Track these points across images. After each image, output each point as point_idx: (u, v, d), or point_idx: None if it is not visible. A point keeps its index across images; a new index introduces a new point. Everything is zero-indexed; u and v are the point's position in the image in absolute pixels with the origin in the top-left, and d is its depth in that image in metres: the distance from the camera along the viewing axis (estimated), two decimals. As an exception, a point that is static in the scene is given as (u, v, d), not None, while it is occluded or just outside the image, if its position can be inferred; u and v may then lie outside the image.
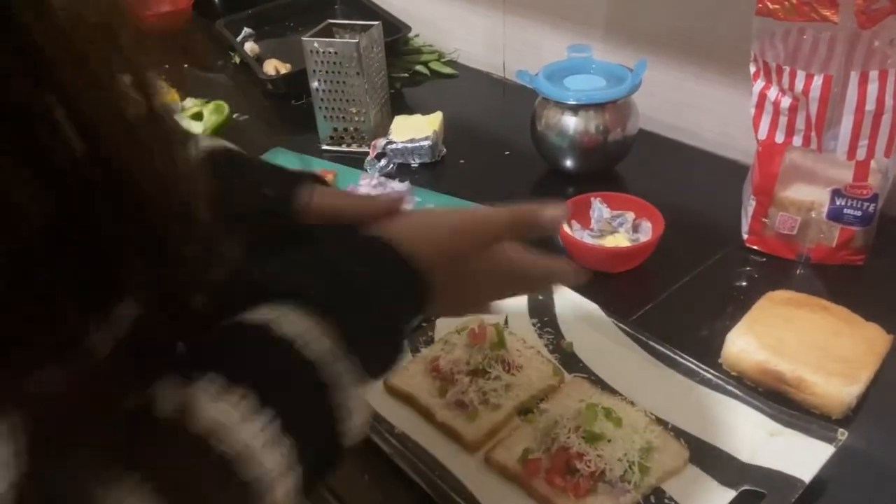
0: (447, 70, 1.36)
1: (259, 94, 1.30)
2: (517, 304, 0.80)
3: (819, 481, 0.58)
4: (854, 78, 0.73)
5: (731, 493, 0.59)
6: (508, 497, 0.60)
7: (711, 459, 0.62)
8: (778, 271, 0.84)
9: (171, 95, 1.22)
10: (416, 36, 1.43)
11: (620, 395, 0.68)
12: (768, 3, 0.73)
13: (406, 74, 1.35)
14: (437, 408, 0.67)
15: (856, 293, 0.78)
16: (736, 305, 0.77)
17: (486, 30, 1.35)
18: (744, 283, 0.83)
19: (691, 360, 0.70)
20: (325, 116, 1.11)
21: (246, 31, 1.44)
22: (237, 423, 0.36)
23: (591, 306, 0.76)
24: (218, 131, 1.12)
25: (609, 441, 0.60)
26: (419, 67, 1.36)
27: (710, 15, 1.02)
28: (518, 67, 1.06)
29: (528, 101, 1.03)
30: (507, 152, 1.11)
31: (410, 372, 0.71)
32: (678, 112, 1.12)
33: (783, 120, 0.79)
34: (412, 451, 0.63)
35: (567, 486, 0.58)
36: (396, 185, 1.00)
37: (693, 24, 1.05)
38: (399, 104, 1.25)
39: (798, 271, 0.84)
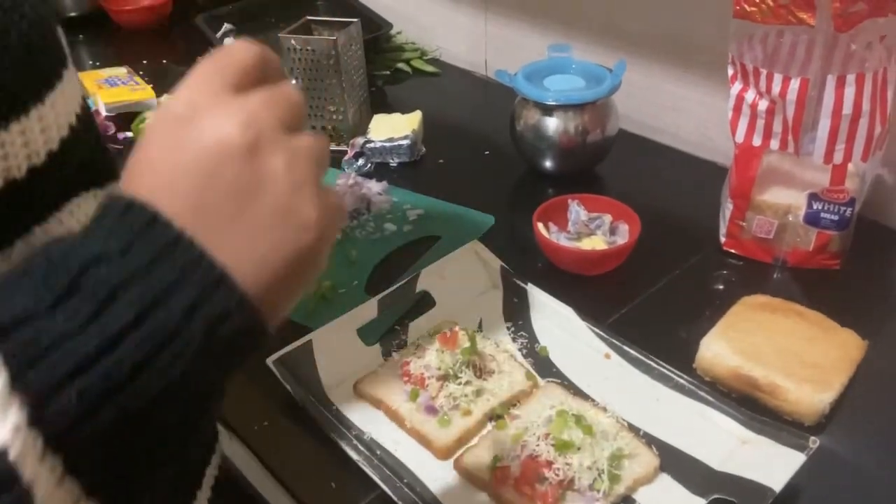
0: (429, 68, 1.35)
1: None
2: (492, 307, 0.79)
3: (791, 489, 0.58)
4: (831, 81, 0.73)
5: (702, 502, 0.58)
6: (477, 505, 0.60)
7: (682, 467, 0.61)
8: (755, 275, 0.83)
9: (147, 91, 1.21)
10: (399, 33, 1.42)
11: (593, 400, 0.67)
12: (745, 6, 0.73)
13: (388, 72, 1.34)
14: (407, 413, 0.66)
15: (832, 297, 0.78)
16: (712, 309, 0.77)
17: (468, 28, 1.34)
18: (720, 287, 0.83)
19: (664, 365, 0.69)
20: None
21: (226, 26, 1.42)
22: None
23: (567, 310, 0.76)
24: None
25: (579, 449, 0.59)
26: (401, 65, 1.35)
27: (691, 16, 1.02)
28: (500, 66, 1.05)
29: (510, 100, 1.02)
30: (486, 152, 1.10)
31: (381, 376, 0.70)
32: (658, 113, 1.11)
33: (760, 123, 0.78)
34: (380, 458, 0.62)
35: (535, 495, 0.57)
36: (374, 185, 0.99)
37: (674, 26, 1.04)
38: (380, 102, 1.24)
39: (775, 275, 0.84)
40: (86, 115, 0.41)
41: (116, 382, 0.27)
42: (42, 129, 0.35)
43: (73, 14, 1.54)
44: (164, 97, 1.19)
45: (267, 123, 0.32)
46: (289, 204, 0.32)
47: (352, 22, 1.08)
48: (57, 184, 0.38)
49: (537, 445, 0.59)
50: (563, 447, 0.59)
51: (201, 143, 0.31)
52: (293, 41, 1.03)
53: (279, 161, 0.32)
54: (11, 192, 0.35)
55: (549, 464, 0.58)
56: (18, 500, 0.26)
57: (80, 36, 1.53)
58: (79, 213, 0.39)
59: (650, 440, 0.63)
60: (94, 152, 0.42)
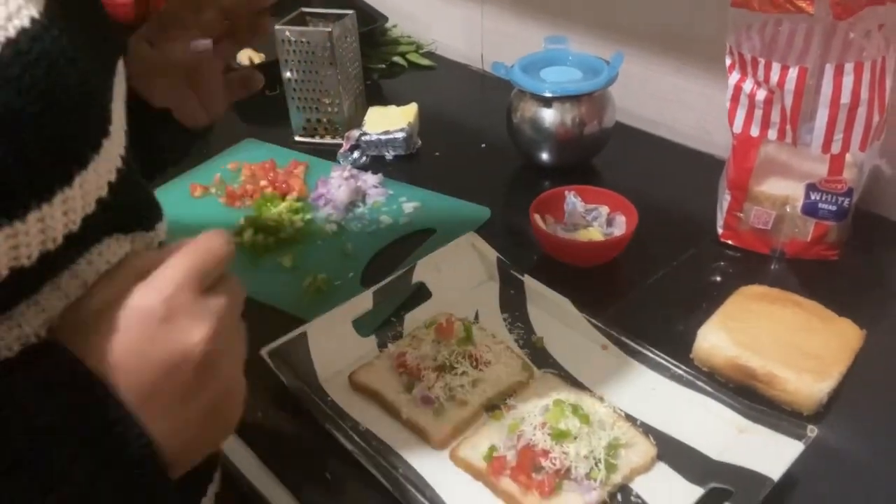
0: (425, 62, 1.35)
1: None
2: (488, 298, 0.79)
3: (789, 478, 0.57)
4: (829, 70, 0.72)
5: (699, 491, 0.58)
6: (474, 495, 0.59)
7: (680, 457, 0.61)
8: (752, 266, 0.83)
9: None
10: (394, 27, 1.41)
11: (590, 391, 0.67)
12: (743, -6, 0.72)
13: (383, 66, 1.33)
14: (402, 404, 0.65)
15: (830, 288, 0.78)
16: (710, 300, 0.76)
17: (464, 21, 1.34)
18: (718, 279, 0.82)
19: (662, 355, 0.69)
20: (297, 107, 1.09)
21: (221, 20, 1.42)
22: None
23: (563, 301, 0.75)
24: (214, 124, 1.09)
25: (575, 438, 0.58)
26: (396, 59, 1.34)
27: (689, 8, 1.01)
28: (496, 59, 1.04)
29: (506, 93, 1.02)
30: (483, 145, 1.10)
31: (376, 367, 0.69)
32: (655, 106, 1.11)
33: (758, 113, 0.78)
34: (376, 449, 0.62)
35: (532, 484, 0.57)
36: (369, 177, 0.99)
37: (671, 18, 1.04)
38: (376, 96, 1.23)
39: (772, 266, 0.83)
40: (125, 175, 0.41)
41: None
42: (65, 213, 0.36)
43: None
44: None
45: (221, 335, 0.39)
46: (218, 410, 0.40)
47: (347, 13, 1.08)
48: (89, 235, 0.39)
49: (534, 435, 0.59)
50: (560, 436, 0.58)
51: (167, 347, 0.37)
52: (288, 32, 1.03)
53: (222, 374, 0.39)
54: (42, 256, 0.36)
55: (546, 453, 0.57)
56: None
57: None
58: (108, 253, 0.40)
59: (647, 430, 0.63)
60: (131, 199, 0.42)
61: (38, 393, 0.35)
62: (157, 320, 0.37)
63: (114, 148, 0.39)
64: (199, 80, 0.63)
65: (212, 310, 0.39)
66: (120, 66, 0.44)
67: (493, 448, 0.60)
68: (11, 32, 0.32)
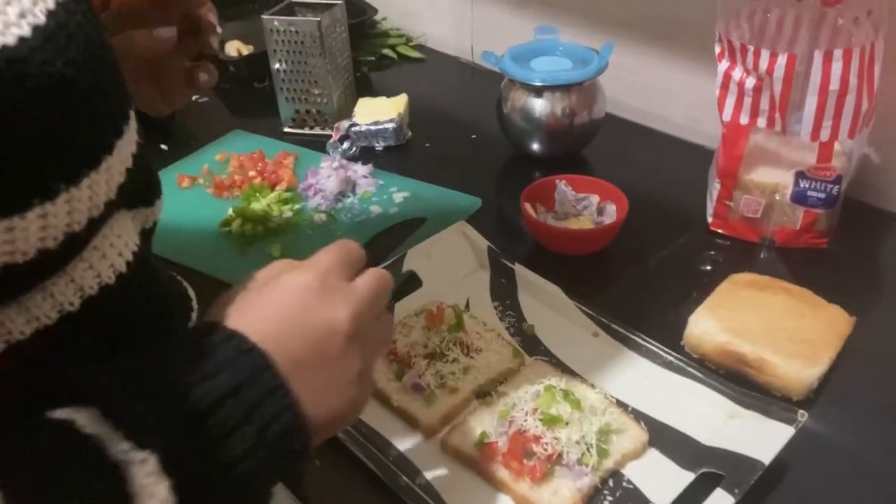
0: (415, 54, 1.34)
1: (221, 77, 1.26)
2: (479, 287, 0.78)
3: (780, 463, 0.57)
4: (818, 57, 0.72)
5: (690, 476, 0.57)
6: (465, 482, 0.59)
7: (671, 442, 0.61)
8: (742, 254, 0.83)
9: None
10: (384, 19, 1.40)
11: (581, 377, 0.66)
12: (733, -20, 0.72)
13: (373, 58, 1.32)
14: (393, 392, 0.65)
15: (819, 275, 0.78)
16: (700, 289, 0.76)
17: (454, 13, 1.33)
18: (708, 267, 0.82)
19: (652, 342, 0.69)
20: (286, 98, 1.08)
21: (209, 12, 1.41)
22: None
23: (554, 289, 0.75)
24: (176, 113, 1.08)
25: (567, 424, 0.58)
26: (386, 51, 1.34)
27: (678, -3, 1.01)
28: (486, 51, 1.04)
29: (496, 85, 1.02)
30: (473, 136, 1.09)
31: (367, 355, 0.69)
32: (646, 96, 1.11)
33: (748, 101, 0.78)
34: (366, 436, 0.61)
35: (524, 470, 0.57)
36: (359, 168, 0.98)
37: (660, 8, 1.04)
38: (365, 88, 1.22)
39: (762, 254, 0.83)
40: (135, 159, 0.41)
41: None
42: (90, 197, 0.36)
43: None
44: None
45: (366, 317, 0.43)
46: (351, 390, 0.42)
47: (336, 3, 1.07)
48: (105, 219, 0.39)
49: (525, 420, 0.58)
50: (551, 422, 0.58)
51: (321, 315, 0.41)
52: (276, 22, 1.02)
53: (360, 355, 0.42)
54: (66, 243, 0.36)
55: (537, 438, 0.57)
56: None
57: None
58: (111, 235, 0.40)
59: (638, 416, 0.63)
60: (134, 183, 0.42)
61: (202, 365, 0.37)
62: (314, 291, 0.41)
63: (129, 146, 0.39)
64: (158, 70, 0.64)
65: (357, 292, 0.43)
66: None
67: (484, 434, 0.60)
68: (50, 4, 0.33)
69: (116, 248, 0.40)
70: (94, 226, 0.38)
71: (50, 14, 0.33)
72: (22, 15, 0.32)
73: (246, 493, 0.37)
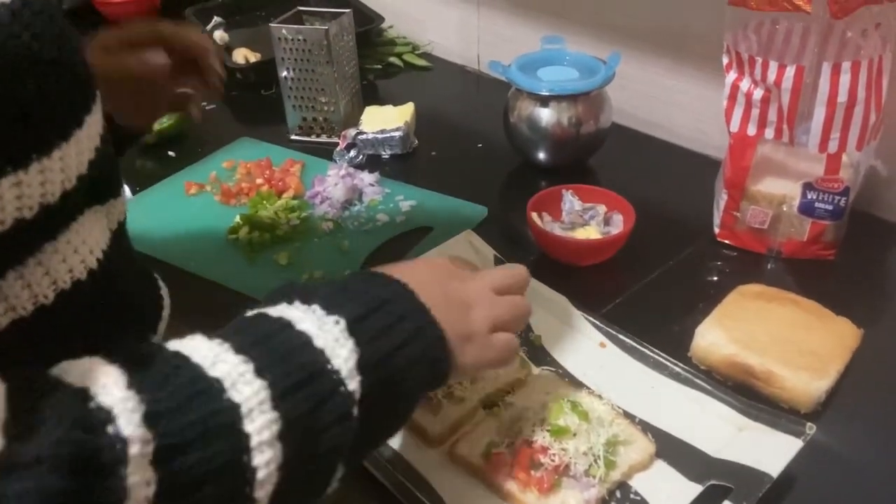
0: (421, 62, 1.34)
1: (228, 84, 1.27)
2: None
3: (787, 476, 0.57)
4: (826, 69, 0.72)
5: (698, 488, 0.57)
6: (472, 492, 0.59)
7: (678, 454, 0.61)
8: (749, 265, 0.83)
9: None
10: (391, 27, 1.41)
11: (588, 388, 0.66)
12: (741, -8, 0.72)
13: (379, 66, 1.33)
14: (400, 401, 0.65)
15: (826, 287, 0.78)
16: (707, 300, 0.76)
17: (460, 22, 1.34)
18: (715, 278, 0.82)
19: (660, 353, 0.68)
20: (293, 106, 1.09)
21: (216, 19, 1.41)
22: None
23: (561, 299, 0.75)
24: (183, 120, 1.09)
25: (574, 435, 0.58)
26: (393, 59, 1.34)
27: (685, 8, 1.01)
28: (492, 60, 1.04)
29: (503, 94, 1.02)
30: (479, 145, 1.10)
31: (373, 364, 0.69)
32: (652, 106, 1.11)
33: (755, 112, 0.78)
34: (373, 445, 0.61)
35: (531, 481, 0.56)
36: (366, 176, 0.98)
37: (668, 18, 1.04)
38: (372, 96, 1.23)
39: (769, 265, 0.83)
40: (104, 145, 0.44)
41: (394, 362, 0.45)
42: (62, 169, 0.39)
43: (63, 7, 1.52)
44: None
45: (503, 319, 0.54)
46: (482, 336, 0.52)
47: (344, 12, 1.07)
48: (68, 212, 0.41)
49: (532, 431, 0.58)
50: (559, 433, 0.58)
51: (460, 278, 0.54)
52: (284, 31, 1.02)
53: (491, 312, 0.53)
54: (28, 223, 0.38)
55: (545, 449, 0.57)
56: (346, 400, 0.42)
57: (68, 29, 1.52)
58: (84, 231, 0.43)
59: (646, 427, 0.63)
60: (104, 175, 0.45)
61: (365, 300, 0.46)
62: (454, 268, 0.55)
63: (96, 125, 0.42)
64: (142, 90, 0.67)
65: (492, 271, 0.57)
66: None
67: (491, 445, 0.60)
68: None
69: (88, 244, 0.43)
70: (69, 209, 0.40)
71: None
72: None
73: (404, 380, 0.45)
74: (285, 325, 0.42)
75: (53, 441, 0.31)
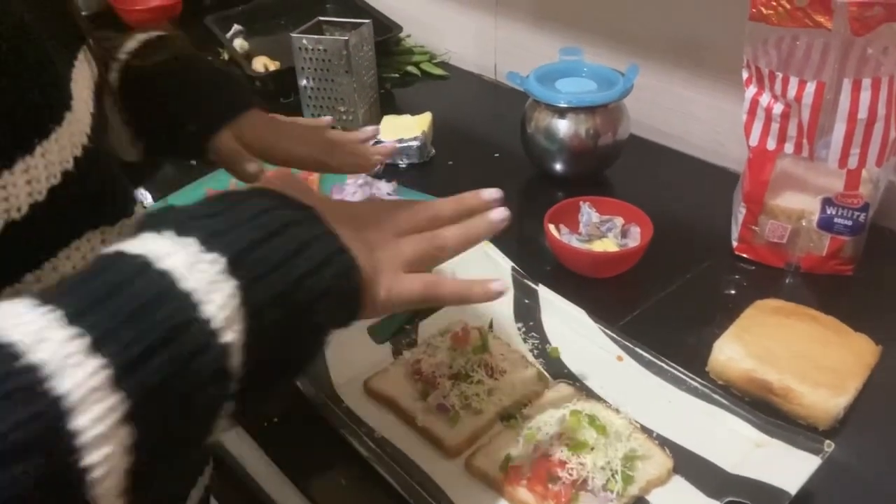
0: (438, 71, 1.35)
1: (247, 92, 1.29)
2: (502, 307, 0.79)
3: (805, 493, 0.57)
4: (847, 85, 0.72)
5: (716, 504, 0.57)
6: (488, 504, 0.59)
7: (696, 469, 0.61)
8: (767, 280, 0.83)
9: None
10: (408, 37, 1.42)
11: (605, 402, 0.67)
12: (762, 8, 0.73)
13: (397, 75, 1.33)
14: (418, 412, 0.65)
15: (845, 303, 0.78)
16: (724, 314, 0.76)
17: (478, 32, 1.34)
18: (732, 292, 0.82)
19: (678, 367, 0.69)
20: (312, 114, 1.10)
21: (236, 27, 1.43)
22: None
23: (578, 311, 0.75)
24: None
25: (592, 449, 0.58)
26: (410, 68, 1.35)
27: (704, 21, 1.02)
28: (510, 70, 1.05)
29: (520, 104, 1.02)
30: (496, 155, 1.10)
31: (392, 375, 0.69)
32: (670, 118, 1.11)
33: (775, 126, 0.78)
34: (391, 455, 0.62)
35: (548, 495, 0.57)
36: (383, 186, 0.99)
37: (686, 30, 1.04)
38: (389, 104, 1.24)
39: (787, 280, 0.83)
40: (93, 155, 0.42)
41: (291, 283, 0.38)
42: (45, 166, 0.38)
43: (83, 13, 1.55)
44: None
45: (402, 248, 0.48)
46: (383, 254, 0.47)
47: (363, 23, 1.08)
48: (61, 221, 0.40)
49: (551, 445, 0.59)
50: (578, 447, 0.58)
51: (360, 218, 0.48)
52: (305, 41, 1.03)
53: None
54: (19, 227, 0.37)
55: (563, 463, 0.57)
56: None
57: (90, 35, 1.54)
58: (85, 248, 0.42)
59: (663, 442, 0.63)
60: (103, 190, 0.44)
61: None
62: (353, 217, 0.47)
63: (78, 125, 0.41)
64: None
65: (403, 242, 0.49)
66: (83, 56, 0.47)
67: (508, 457, 0.60)
68: None
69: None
70: (40, 214, 0.38)
71: None
72: None
73: (310, 317, 0.39)
74: (142, 267, 0.34)
75: None
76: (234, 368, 0.35)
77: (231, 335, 0.35)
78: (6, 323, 0.31)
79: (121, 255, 0.35)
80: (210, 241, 0.36)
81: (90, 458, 0.30)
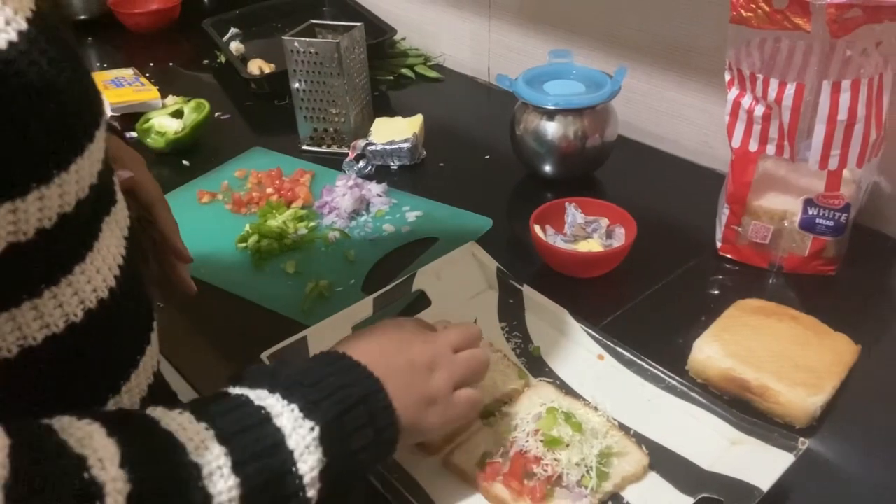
0: (432, 74, 1.36)
1: (243, 94, 1.30)
2: (487, 307, 0.80)
3: (780, 491, 0.58)
4: (826, 87, 0.73)
5: (689, 501, 0.58)
6: (466, 500, 0.60)
7: (671, 466, 0.61)
8: (750, 280, 0.84)
9: (152, 92, 1.22)
10: (403, 39, 1.43)
11: (584, 399, 0.67)
12: (742, 11, 0.73)
13: (391, 77, 1.35)
14: (399, 409, 0.66)
15: (827, 303, 0.78)
16: (707, 313, 0.77)
17: (471, 35, 1.36)
18: (716, 292, 0.83)
19: (657, 366, 0.69)
20: (305, 117, 1.11)
21: (233, 30, 1.44)
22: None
23: (561, 311, 0.76)
24: (197, 129, 1.12)
25: (567, 445, 0.59)
26: (405, 71, 1.36)
27: (692, 24, 1.02)
28: (502, 72, 1.05)
29: (511, 106, 1.03)
30: (487, 156, 1.11)
31: (374, 373, 0.70)
32: (658, 120, 1.12)
33: (757, 128, 0.79)
34: (371, 452, 0.63)
35: (524, 490, 0.57)
36: (374, 187, 1.00)
37: (674, 32, 1.05)
38: (384, 106, 1.25)
39: (770, 280, 0.84)
40: (107, 168, 0.45)
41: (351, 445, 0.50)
42: (89, 165, 0.41)
43: (82, 17, 1.57)
44: (168, 98, 1.20)
45: (454, 368, 0.58)
46: (437, 402, 0.56)
47: (355, 25, 1.09)
48: (89, 227, 0.43)
49: (526, 441, 0.59)
50: (552, 443, 0.59)
51: (416, 342, 0.58)
52: (296, 43, 1.04)
53: (448, 375, 0.57)
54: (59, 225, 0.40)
55: (538, 459, 0.58)
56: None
57: (90, 38, 1.56)
58: (90, 268, 0.44)
59: (640, 439, 0.63)
60: (104, 183, 0.46)
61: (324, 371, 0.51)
62: (414, 330, 0.60)
63: (102, 138, 0.44)
64: None
65: (447, 334, 0.60)
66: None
67: (486, 454, 0.61)
68: (28, 13, 0.37)
69: (107, 262, 0.45)
70: (89, 221, 0.42)
71: (30, 21, 0.37)
72: (7, 22, 0.36)
73: (358, 465, 0.50)
74: (265, 419, 0.46)
75: None
76: None
77: (312, 492, 0.46)
78: (173, 424, 0.43)
79: (248, 403, 0.47)
80: (307, 411, 0.47)
81: None
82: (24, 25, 0.36)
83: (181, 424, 0.43)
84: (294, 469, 0.45)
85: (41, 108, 0.37)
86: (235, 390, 0.48)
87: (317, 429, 0.46)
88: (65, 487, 0.36)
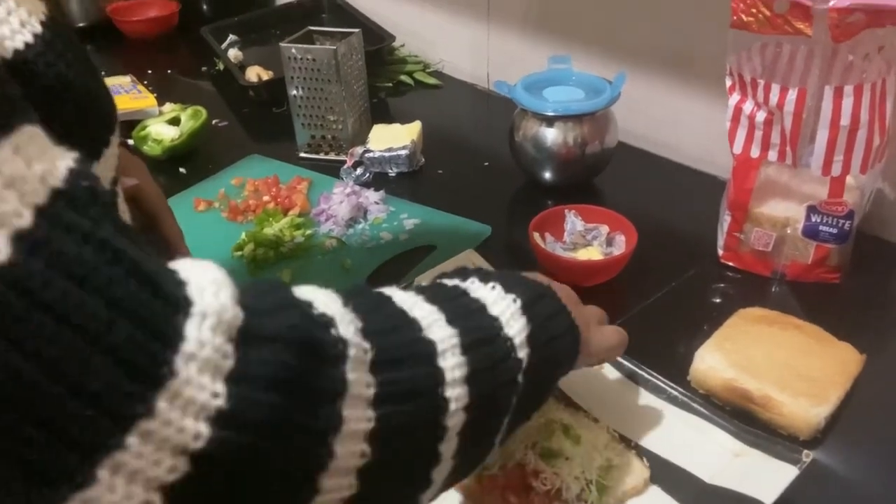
0: (431, 80, 1.36)
1: (241, 101, 1.30)
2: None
3: (783, 502, 0.56)
4: (829, 92, 0.72)
5: (692, 515, 0.57)
6: (464, 514, 0.59)
7: (673, 479, 0.60)
8: (752, 288, 0.82)
9: (149, 100, 1.22)
10: (402, 46, 1.42)
11: (584, 411, 0.66)
12: (742, 16, 0.73)
13: (390, 84, 1.34)
14: (395, 421, 0.65)
15: (830, 311, 0.77)
16: (709, 322, 0.76)
17: (470, 41, 1.35)
18: (718, 300, 0.82)
19: (658, 376, 0.68)
20: (302, 124, 1.10)
21: (231, 38, 1.44)
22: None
23: (560, 320, 0.75)
24: (194, 136, 1.11)
25: (567, 459, 0.58)
26: (403, 77, 1.35)
27: (692, 29, 1.01)
28: (501, 79, 1.05)
29: (510, 113, 1.02)
30: (485, 163, 1.10)
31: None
32: (658, 126, 1.11)
33: (758, 134, 0.78)
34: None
35: (522, 505, 0.56)
36: (371, 194, 0.99)
37: (674, 39, 1.04)
38: (382, 113, 1.24)
39: (773, 288, 0.83)
40: (117, 176, 0.45)
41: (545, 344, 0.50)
42: (104, 170, 0.41)
43: (81, 24, 1.56)
44: (166, 105, 1.20)
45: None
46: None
47: (353, 32, 1.09)
48: None
49: (524, 454, 0.58)
50: (551, 456, 0.58)
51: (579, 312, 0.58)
52: (294, 50, 1.04)
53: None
54: None
55: (537, 473, 0.57)
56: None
57: (88, 46, 1.55)
58: None
59: (641, 452, 0.62)
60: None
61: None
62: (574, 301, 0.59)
63: (115, 147, 0.44)
64: None
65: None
66: None
67: (484, 467, 0.59)
68: (42, 16, 0.38)
69: None
70: None
71: (44, 24, 0.37)
72: (22, 24, 0.36)
73: (553, 373, 0.53)
74: (462, 292, 0.48)
75: (288, 325, 0.35)
76: (519, 383, 0.46)
77: (522, 354, 0.47)
78: (385, 291, 0.46)
79: (442, 284, 0.50)
80: (507, 287, 0.49)
81: (450, 393, 0.41)
82: (38, 28, 0.37)
83: (391, 291, 0.46)
84: (503, 332, 0.46)
85: (60, 109, 0.37)
86: (425, 283, 0.51)
87: (519, 301, 0.48)
88: (298, 312, 0.36)
